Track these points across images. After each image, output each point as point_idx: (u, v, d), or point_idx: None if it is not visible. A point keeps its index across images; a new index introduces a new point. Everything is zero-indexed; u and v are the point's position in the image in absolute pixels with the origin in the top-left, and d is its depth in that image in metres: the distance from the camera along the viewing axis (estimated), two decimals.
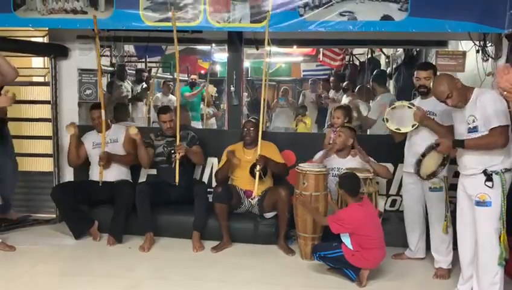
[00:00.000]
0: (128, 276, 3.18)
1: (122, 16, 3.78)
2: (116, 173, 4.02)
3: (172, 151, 3.89)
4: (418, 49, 5.41)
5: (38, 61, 5.67)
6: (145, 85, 6.67)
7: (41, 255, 3.53)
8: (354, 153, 3.70)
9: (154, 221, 3.81)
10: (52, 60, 4.30)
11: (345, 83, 6.37)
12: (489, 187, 2.61)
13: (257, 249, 3.74)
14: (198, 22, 3.74)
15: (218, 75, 9.95)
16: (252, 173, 3.68)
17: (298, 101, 7.81)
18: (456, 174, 2.95)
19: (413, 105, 3.22)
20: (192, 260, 3.48)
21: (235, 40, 4.21)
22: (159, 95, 7.16)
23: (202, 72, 9.44)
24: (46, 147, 4.57)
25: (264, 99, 3.98)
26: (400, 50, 5.98)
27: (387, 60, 6.69)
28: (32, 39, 4.74)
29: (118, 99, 5.66)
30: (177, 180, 3.69)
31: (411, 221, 3.47)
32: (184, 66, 8.42)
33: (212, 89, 8.04)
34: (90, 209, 4.01)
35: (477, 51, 3.79)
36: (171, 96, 7.03)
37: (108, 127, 4.08)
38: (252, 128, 3.89)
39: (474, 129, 2.66)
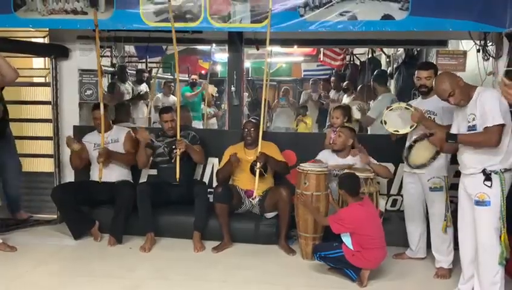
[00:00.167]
0: (129, 276, 3.18)
1: (122, 17, 3.78)
2: (117, 174, 4.03)
3: (173, 147, 3.89)
4: (418, 49, 5.40)
5: (38, 62, 5.69)
6: (147, 88, 6.65)
7: (42, 255, 3.53)
8: (354, 153, 3.69)
9: (155, 221, 3.81)
10: (53, 60, 4.30)
11: (345, 83, 6.37)
12: (488, 187, 2.61)
13: (258, 249, 3.73)
14: (199, 22, 3.75)
15: (219, 75, 9.96)
16: (252, 170, 3.68)
17: (299, 101, 7.80)
18: (457, 174, 2.94)
19: (411, 106, 3.19)
20: (193, 260, 3.48)
21: (236, 40, 4.21)
22: (159, 95, 7.14)
23: (203, 72, 9.43)
24: (47, 147, 4.58)
25: (265, 100, 3.97)
26: (401, 50, 5.97)
27: (387, 60, 6.67)
28: (33, 40, 4.76)
29: (119, 100, 5.66)
30: (177, 176, 3.66)
31: (412, 221, 3.47)
32: (185, 66, 8.41)
33: (212, 89, 8.04)
34: (90, 209, 4.01)
35: (478, 51, 3.79)
36: (172, 97, 7.00)
37: (110, 128, 4.08)
38: (252, 129, 3.89)
39: (473, 127, 2.66)
